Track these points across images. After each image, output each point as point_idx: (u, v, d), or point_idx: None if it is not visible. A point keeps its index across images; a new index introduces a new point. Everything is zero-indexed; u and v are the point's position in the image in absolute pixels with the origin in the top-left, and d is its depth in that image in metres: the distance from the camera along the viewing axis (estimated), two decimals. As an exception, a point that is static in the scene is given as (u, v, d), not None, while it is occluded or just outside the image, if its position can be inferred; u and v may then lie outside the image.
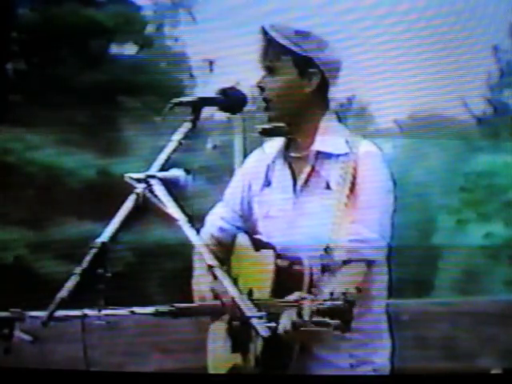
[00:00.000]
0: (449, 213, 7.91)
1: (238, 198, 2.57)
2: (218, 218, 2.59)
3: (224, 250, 2.48)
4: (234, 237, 2.54)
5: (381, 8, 5.56)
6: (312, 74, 2.42)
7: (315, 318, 2.06)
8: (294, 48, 2.41)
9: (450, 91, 6.09)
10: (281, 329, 2.13)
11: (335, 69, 2.46)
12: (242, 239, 2.51)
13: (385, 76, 5.31)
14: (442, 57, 5.78)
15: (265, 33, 2.44)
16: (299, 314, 2.11)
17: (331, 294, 2.07)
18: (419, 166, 7.69)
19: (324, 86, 2.44)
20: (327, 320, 2.04)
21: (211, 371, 2.53)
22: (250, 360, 2.34)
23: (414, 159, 7.64)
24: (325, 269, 2.28)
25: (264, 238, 2.47)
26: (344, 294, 2.05)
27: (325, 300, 2.06)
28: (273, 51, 2.43)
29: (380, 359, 2.42)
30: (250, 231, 2.53)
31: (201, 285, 2.46)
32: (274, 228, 2.46)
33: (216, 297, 2.39)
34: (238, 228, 2.56)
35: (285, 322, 2.14)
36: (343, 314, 2.04)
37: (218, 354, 2.50)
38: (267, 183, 2.52)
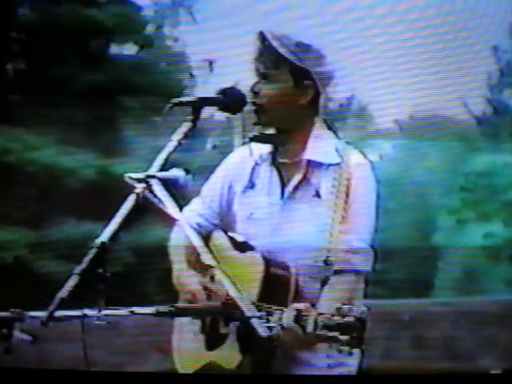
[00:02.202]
0: (449, 213, 7.91)
1: (217, 195, 2.57)
2: (196, 215, 2.58)
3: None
4: (210, 233, 2.54)
5: (381, 8, 5.56)
6: (307, 86, 2.42)
7: (320, 331, 2.08)
8: (293, 59, 2.41)
9: (450, 91, 6.09)
10: (280, 338, 2.15)
11: (328, 81, 2.47)
12: (219, 237, 2.51)
13: (385, 76, 5.31)
14: (442, 57, 5.78)
15: (263, 38, 2.43)
16: (302, 326, 2.12)
17: (338, 309, 2.08)
18: (419, 166, 7.69)
19: (317, 97, 2.45)
20: (335, 335, 2.05)
21: (180, 370, 2.53)
22: (230, 358, 2.35)
23: (414, 159, 7.63)
24: (325, 282, 2.30)
25: (241, 238, 2.47)
26: (351, 309, 2.06)
27: (332, 315, 2.07)
28: (270, 58, 2.42)
29: (352, 360, 2.42)
30: (226, 229, 2.53)
31: (192, 284, 2.46)
32: (257, 230, 2.46)
33: (206, 289, 2.40)
34: (215, 225, 2.56)
35: (285, 334, 2.16)
36: (354, 330, 2.04)
37: (189, 351, 2.50)
38: (251, 185, 2.52)
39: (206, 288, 2.42)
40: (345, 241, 2.33)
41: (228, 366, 2.37)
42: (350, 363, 2.40)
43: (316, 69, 2.42)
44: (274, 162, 2.50)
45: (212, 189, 2.59)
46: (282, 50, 2.40)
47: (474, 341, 5.89)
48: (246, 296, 2.21)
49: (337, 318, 2.06)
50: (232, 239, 2.49)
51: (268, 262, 2.36)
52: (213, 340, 2.42)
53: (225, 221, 2.56)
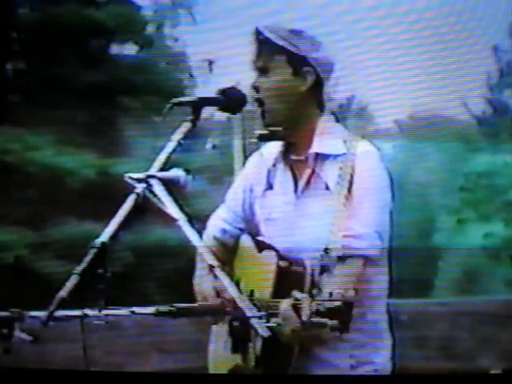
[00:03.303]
0: (449, 213, 7.91)
1: (240, 199, 2.58)
2: (220, 220, 2.59)
3: (227, 252, 2.49)
4: (237, 238, 2.54)
5: (381, 8, 5.56)
6: (306, 73, 2.41)
7: (314, 319, 2.07)
8: (288, 47, 2.40)
9: (450, 91, 6.09)
10: (278, 329, 2.14)
11: (329, 69, 2.46)
12: (246, 241, 2.51)
13: (385, 76, 5.31)
14: (442, 57, 5.79)
15: (258, 34, 2.43)
16: (297, 314, 2.12)
17: (330, 294, 2.07)
18: (419, 166, 7.70)
19: (318, 86, 2.44)
20: (325, 321, 2.04)
21: (212, 371, 2.53)
22: (250, 360, 2.35)
23: (414, 159, 7.64)
24: (324, 269, 2.28)
25: (266, 240, 2.47)
26: (343, 294, 2.05)
27: (323, 300, 2.07)
28: (266, 51, 2.42)
29: (380, 359, 2.42)
30: (253, 233, 2.53)
31: (203, 285, 2.46)
32: (275, 230, 2.46)
33: (218, 296, 2.40)
34: (241, 230, 2.56)
35: (282, 322, 2.15)
36: (341, 314, 2.04)
37: (219, 354, 2.50)
38: (269, 187, 2.52)
39: (218, 294, 2.42)
40: (347, 227, 2.32)
41: (248, 367, 2.36)
42: (377, 362, 2.41)
43: (312, 55, 2.41)
44: (286, 160, 2.49)
45: (235, 195, 2.59)
46: (276, 40, 2.40)
47: (474, 341, 5.89)
48: (260, 296, 2.22)
49: (327, 304, 2.05)
50: (258, 243, 2.48)
51: (282, 260, 2.36)
52: (237, 342, 2.41)
53: (250, 225, 2.56)
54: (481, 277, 7.51)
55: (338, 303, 2.04)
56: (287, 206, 2.46)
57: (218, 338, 2.50)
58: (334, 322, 2.03)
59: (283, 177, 2.49)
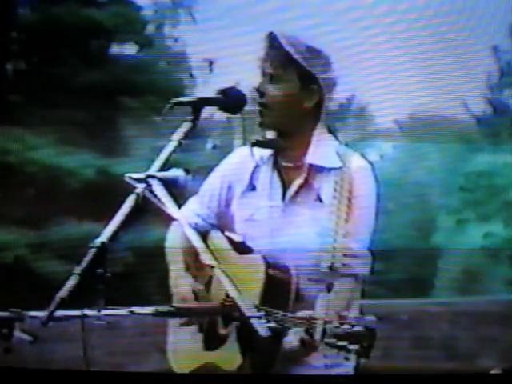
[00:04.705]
0: (449, 213, 7.91)
1: (215, 195, 2.58)
2: (193, 215, 2.59)
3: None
4: (207, 233, 2.54)
5: (380, 7, 5.56)
6: (313, 90, 2.43)
7: (328, 340, 2.08)
8: (302, 62, 2.41)
9: (449, 91, 6.08)
10: (287, 345, 2.15)
11: (332, 88, 2.48)
12: (217, 237, 2.51)
13: (385, 76, 5.31)
14: (442, 57, 5.78)
15: (272, 39, 2.44)
16: (309, 333, 2.13)
17: (343, 316, 2.08)
18: (419, 166, 7.69)
19: (321, 103, 2.46)
20: (345, 344, 2.05)
21: (176, 370, 2.53)
22: (230, 360, 2.35)
23: (414, 159, 7.63)
24: (330, 288, 2.30)
25: (239, 238, 2.47)
26: (360, 318, 2.07)
27: (341, 323, 2.07)
28: (279, 59, 2.43)
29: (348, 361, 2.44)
30: (223, 229, 2.54)
31: (180, 286, 2.47)
32: (257, 232, 2.47)
33: (196, 297, 2.41)
34: (212, 225, 2.57)
35: (292, 339, 2.16)
36: (364, 339, 2.04)
37: (186, 351, 2.51)
38: (251, 187, 2.52)
39: (196, 294, 2.43)
40: (347, 246, 2.34)
41: (228, 367, 2.37)
42: (347, 364, 2.41)
43: (323, 75, 2.44)
44: (275, 164, 2.50)
45: (210, 189, 2.59)
46: (292, 52, 2.41)
47: (474, 341, 5.89)
48: (247, 298, 2.22)
49: (345, 327, 2.06)
50: (229, 239, 2.49)
51: (269, 264, 2.37)
52: (211, 340, 2.42)
53: (222, 221, 2.57)
54: (481, 277, 7.50)
55: (359, 328, 2.05)
56: (273, 211, 2.46)
57: (180, 331, 2.50)
58: (356, 347, 2.04)
59: (269, 180, 2.50)
